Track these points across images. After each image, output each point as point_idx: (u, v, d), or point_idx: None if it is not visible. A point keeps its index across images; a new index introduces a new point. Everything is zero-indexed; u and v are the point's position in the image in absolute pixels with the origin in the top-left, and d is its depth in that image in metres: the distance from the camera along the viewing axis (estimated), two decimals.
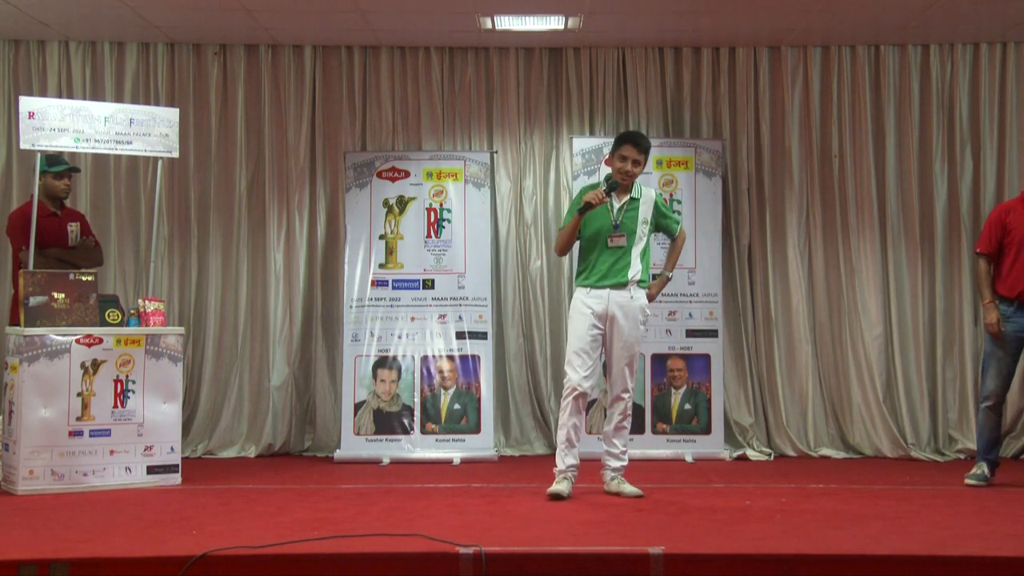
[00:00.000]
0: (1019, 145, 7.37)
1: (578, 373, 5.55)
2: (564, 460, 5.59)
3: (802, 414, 7.38)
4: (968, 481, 6.15)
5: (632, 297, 5.61)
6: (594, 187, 5.72)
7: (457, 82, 7.58)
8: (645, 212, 5.66)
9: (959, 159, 7.41)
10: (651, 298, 5.75)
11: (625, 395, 5.64)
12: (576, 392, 5.54)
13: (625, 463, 5.70)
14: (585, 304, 5.61)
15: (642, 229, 5.65)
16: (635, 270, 5.61)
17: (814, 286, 7.45)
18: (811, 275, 7.46)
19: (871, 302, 7.36)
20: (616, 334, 5.60)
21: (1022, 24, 7.02)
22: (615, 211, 5.63)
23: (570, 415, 5.56)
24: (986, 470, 6.17)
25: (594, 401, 6.93)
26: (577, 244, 5.77)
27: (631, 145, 5.61)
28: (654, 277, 5.84)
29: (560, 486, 5.54)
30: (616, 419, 5.65)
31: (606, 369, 5.78)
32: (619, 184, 5.61)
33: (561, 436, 5.61)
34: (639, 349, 5.71)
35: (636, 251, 5.63)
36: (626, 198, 5.66)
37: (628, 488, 5.60)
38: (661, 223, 5.77)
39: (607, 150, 7.18)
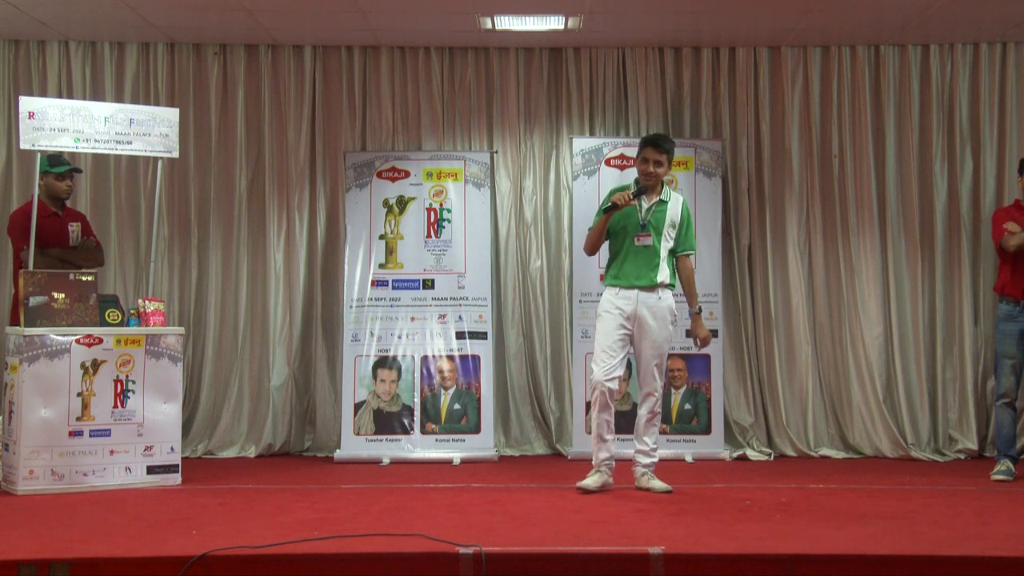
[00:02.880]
0: (1019, 145, 7.36)
1: (602, 371, 5.72)
2: (598, 455, 5.80)
3: (802, 414, 7.38)
4: (995, 477, 6.31)
5: (660, 298, 5.78)
6: (624, 188, 5.90)
7: (457, 82, 7.58)
8: (673, 215, 5.85)
9: (959, 159, 7.41)
10: (705, 340, 5.90)
11: (655, 393, 5.79)
12: (599, 389, 5.74)
13: (655, 460, 5.86)
14: (614, 304, 5.80)
15: (669, 231, 5.83)
16: (664, 274, 5.80)
17: (814, 286, 7.45)
18: (811, 275, 7.46)
19: (871, 302, 7.36)
20: (644, 335, 5.76)
21: (1022, 24, 7.02)
22: (643, 211, 5.82)
23: (599, 411, 5.76)
24: (1010, 465, 6.33)
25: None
26: (607, 243, 5.95)
27: (651, 147, 5.82)
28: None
29: (590, 479, 5.74)
30: (646, 417, 5.82)
31: (635, 368, 5.94)
32: (647, 188, 5.81)
33: (592, 432, 5.83)
34: (667, 348, 5.86)
35: (664, 254, 5.81)
36: (655, 199, 5.84)
37: (657, 484, 5.76)
38: (680, 232, 5.88)
39: (607, 150, 7.25)
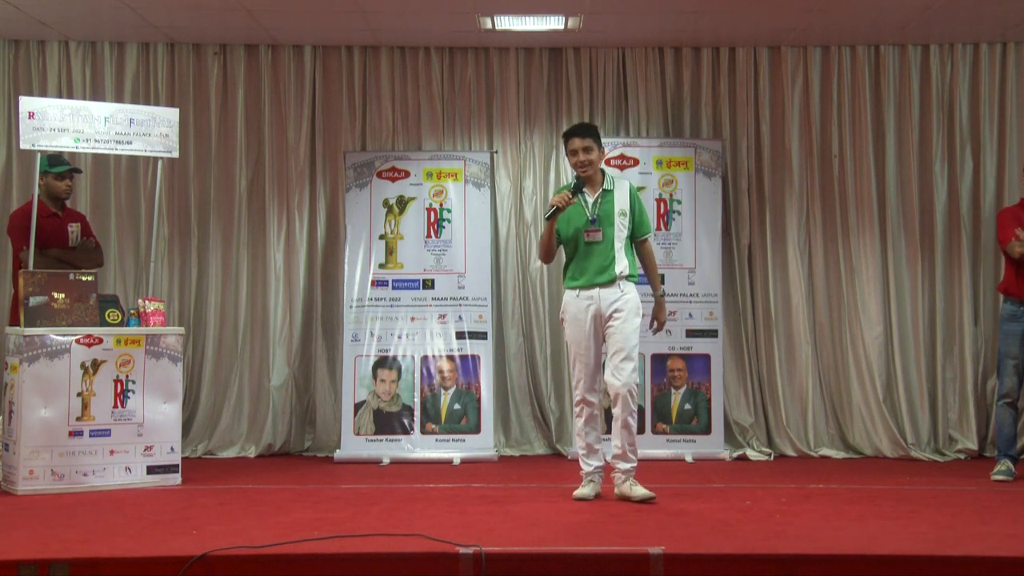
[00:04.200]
0: (1019, 145, 7.37)
1: (584, 387, 5.52)
2: (588, 463, 5.56)
3: (802, 414, 7.38)
4: (995, 477, 6.31)
5: (623, 291, 5.48)
6: (567, 188, 5.62)
7: (457, 82, 7.58)
8: (622, 203, 5.56)
9: (959, 159, 7.41)
10: (662, 324, 5.71)
11: (625, 390, 5.41)
12: (584, 403, 5.54)
13: (633, 463, 5.49)
14: (577, 307, 5.53)
15: (620, 221, 5.53)
16: (622, 265, 5.49)
17: (814, 286, 7.45)
18: (811, 275, 7.46)
19: (871, 302, 7.36)
20: (609, 331, 5.49)
21: (1022, 24, 7.02)
22: (589, 206, 5.55)
23: (584, 424, 5.54)
24: (1010, 465, 6.34)
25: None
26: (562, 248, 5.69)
27: (575, 138, 5.57)
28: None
29: (585, 490, 5.52)
30: (620, 417, 5.46)
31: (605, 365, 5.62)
32: (584, 182, 5.55)
33: (579, 443, 5.60)
34: (636, 341, 5.52)
35: (619, 244, 5.51)
36: (599, 191, 5.57)
37: (638, 491, 5.43)
38: (634, 218, 5.61)
39: (608, 150, 7.20)
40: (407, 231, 7.26)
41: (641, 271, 5.72)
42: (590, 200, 5.57)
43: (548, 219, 5.56)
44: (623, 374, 5.43)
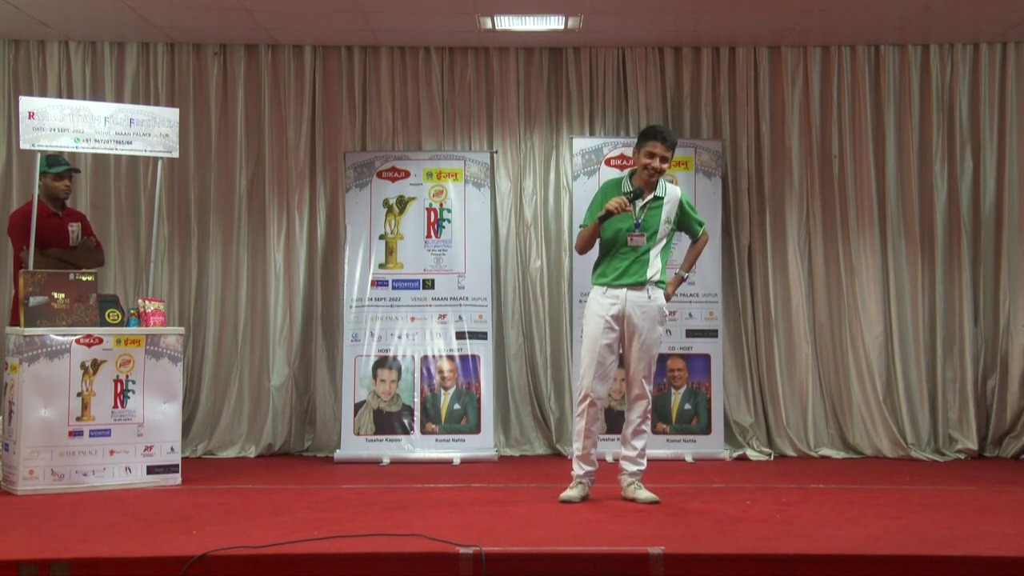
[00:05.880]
0: (1019, 145, 7.37)
1: (590, 379, 5.42)
2: (581, 466, 5.49)
3: (802, 414, 7.38)
4: None
5: (650, 297, 5.42)
6: (618, 182, 5.57)
7: (457, 82, 7.58)
8: (669, 211, 5.49)
9: (959, 159, 7.42)
10: (666, 298, 5.56)
11: (644, 397, 5.47)
12: (589, 399, 5.44)
13: (642, 467, 5.51)
14: (600, 305, 5.45)
15: (664, 228, 5.47)
16: (654, 269, 5.44)
17: (814, 286, 7.45)
18: (811, 275, 7.46)
19: (871, 302, 7.36)
20: (633, 336, 5.42)
21: (1022, 24, 7.02)
22: (637, 209, 5.45)
23: (586, 423, 5.45)
24: None
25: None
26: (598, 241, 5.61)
27: (659, 142, 5.40)
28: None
29: (572, 491, 5.47)
30: (635, 422, 5.48)
31: (624, 369, 5.59)
32: (643, 192, 5.45)
33: (576, 444, 5.51)
34: (657, 351, 5.51)
35: (656, 250, 5.46)
36: (650, 196, 5.47)
37: (643, 494, 5.44)
38: (683, 223, 5.60)
39: (607, 150, 7.23)
40: (407, 231, 7.26)
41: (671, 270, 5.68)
42: (639, 203, 5.47)
43: (599, 221, 5.44)
44: (644, 383, 5.46)
